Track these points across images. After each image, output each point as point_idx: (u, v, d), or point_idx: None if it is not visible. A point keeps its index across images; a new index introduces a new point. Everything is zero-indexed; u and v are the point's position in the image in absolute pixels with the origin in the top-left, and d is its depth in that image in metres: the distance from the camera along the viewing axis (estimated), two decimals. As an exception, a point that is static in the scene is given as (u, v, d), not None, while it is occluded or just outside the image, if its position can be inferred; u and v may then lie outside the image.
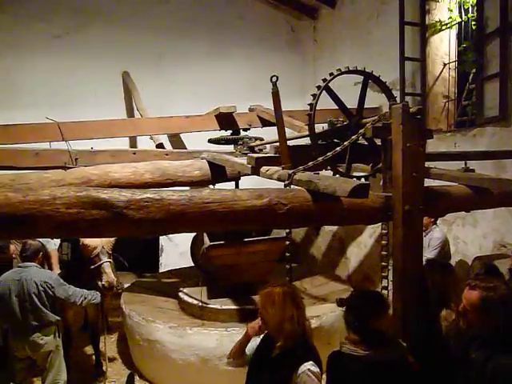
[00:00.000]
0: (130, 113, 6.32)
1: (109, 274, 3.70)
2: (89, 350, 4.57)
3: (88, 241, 3.75)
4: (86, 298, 3.60)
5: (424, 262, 2.67)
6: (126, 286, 4.95)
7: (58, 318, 3.53)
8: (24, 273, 3.42)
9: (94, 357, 4.35)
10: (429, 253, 3.94)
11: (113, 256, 3.91)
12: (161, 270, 6.24)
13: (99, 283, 3.71)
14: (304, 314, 2.12)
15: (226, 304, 4.09)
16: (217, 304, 4.06)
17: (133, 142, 6.21)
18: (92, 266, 3.74)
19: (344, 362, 1.98)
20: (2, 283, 3.42)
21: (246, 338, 2.32)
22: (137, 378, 4.03)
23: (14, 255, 4.09)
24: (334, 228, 6.44)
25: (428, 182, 2.75)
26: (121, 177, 3.65)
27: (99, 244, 3.77)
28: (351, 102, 3.05)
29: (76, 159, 3.90)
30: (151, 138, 5.43)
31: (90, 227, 1.84)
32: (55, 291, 3.45)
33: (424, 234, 4.04)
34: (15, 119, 4.22)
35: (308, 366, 1.96)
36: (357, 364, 1.93)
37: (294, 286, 2.26)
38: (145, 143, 5.72)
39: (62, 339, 3.66)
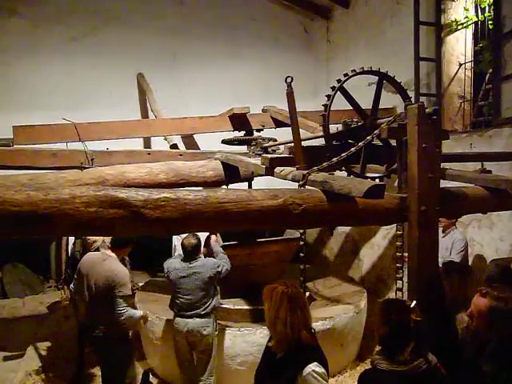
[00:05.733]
0: (145, 114, 6.40)
1: None
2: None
3: None
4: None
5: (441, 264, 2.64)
6: (140, 284, 5.00)
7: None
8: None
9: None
10: (455, 256, 3.91)
11: None
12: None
13: None
14: (301, 321, 2.00)
15: (238, 304, 4.11)
16: (229, 304, 4.07)
17: (147, 143, 6.28)
18: None
19: (379, 377, 1.94)
20: None
21: None
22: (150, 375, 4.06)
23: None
24: (347, 229, 6.40)
25: (444, 184, 2.72)
26: (136, 177, 3.71)
27: (99, 238, 3.70)
28: (365, 103, 3.04)
29: (92, 159, 3.97)
30: (165, 139, 5.48)
31: (107, 226, 1.87)
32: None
33: (443, 234, 4.03)
34: (32, 120, 4.31)
35: (312, 367, 1.92)
36: (392, 378, 1.89)
37: (299, 290, 2.13)
38: (159, 144, 5.78)
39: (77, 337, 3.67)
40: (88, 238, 3.77)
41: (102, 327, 3.22)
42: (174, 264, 3.61)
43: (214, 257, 3.72)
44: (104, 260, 3.33)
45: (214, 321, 3.55)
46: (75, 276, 3.53)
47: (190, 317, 3.46)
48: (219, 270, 3.52)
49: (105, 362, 3.37)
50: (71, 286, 3.68)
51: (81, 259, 4.03)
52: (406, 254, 2.55)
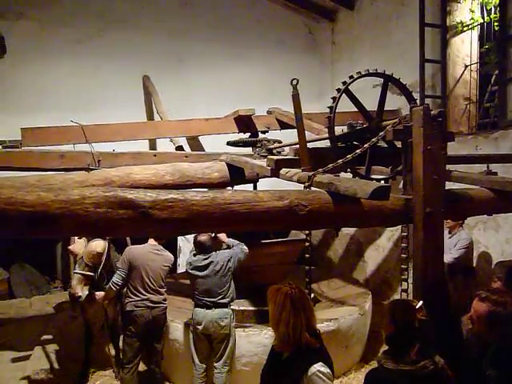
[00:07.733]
0: (151, 116, 6.43)
1: (72, 286, 3.58)
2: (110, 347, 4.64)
3: (72, 247, 3.74)
4: None
5: (448, 262, 2.61)
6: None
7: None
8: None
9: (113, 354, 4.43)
10: (455, 251, 3.90)
11: (93, 268, 3.68)
12: (178, 271, 6.31)
13: None
14: (303, 323, 1.99)
15: (243, 305, 4.13)
16: (234, 305, 4.08)
17: (153, 145, 6.31)
18: None
19: (385, 376, 1.95)
20: None
21: None
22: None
23: None
24: (352, 231, 6.40)
25: (449, 186, 2.72)
26: (142, 178, 3.73)
27: (78, 253, 3.67)
28: (370, 105, 3.05)
29: (99, 161, 3.99)
30: (171, 141, 5.51)
31: (116, 226, 1.90)
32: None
33: (449, 235, 4.03)
34: (39, 122, 4.33)
35: (317, 367, 1.93)
36: (399, 378, 1.90)
37: (303, 293, 2.12)
38: (164, 145, 5.81)
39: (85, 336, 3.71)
40: (71, 250, 3.76)
41: (164, 305, 3.75)
42: (190, 259, 3.81)
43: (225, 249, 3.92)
44: (159, 250, 3.81)
45: (231, 312, 3.71)
46: (121, 269, 3.61)
47: (209, 307, 3.61)
48: (230, 265, 3.72)
49: (160, 336, 3.79)
50: (115, 279, 3.60)
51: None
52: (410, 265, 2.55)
